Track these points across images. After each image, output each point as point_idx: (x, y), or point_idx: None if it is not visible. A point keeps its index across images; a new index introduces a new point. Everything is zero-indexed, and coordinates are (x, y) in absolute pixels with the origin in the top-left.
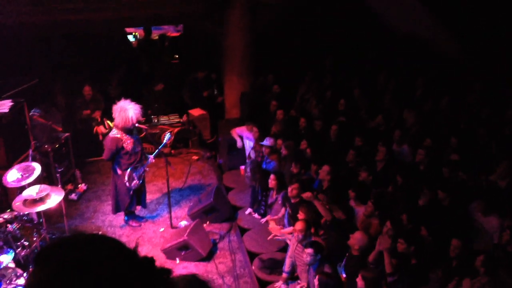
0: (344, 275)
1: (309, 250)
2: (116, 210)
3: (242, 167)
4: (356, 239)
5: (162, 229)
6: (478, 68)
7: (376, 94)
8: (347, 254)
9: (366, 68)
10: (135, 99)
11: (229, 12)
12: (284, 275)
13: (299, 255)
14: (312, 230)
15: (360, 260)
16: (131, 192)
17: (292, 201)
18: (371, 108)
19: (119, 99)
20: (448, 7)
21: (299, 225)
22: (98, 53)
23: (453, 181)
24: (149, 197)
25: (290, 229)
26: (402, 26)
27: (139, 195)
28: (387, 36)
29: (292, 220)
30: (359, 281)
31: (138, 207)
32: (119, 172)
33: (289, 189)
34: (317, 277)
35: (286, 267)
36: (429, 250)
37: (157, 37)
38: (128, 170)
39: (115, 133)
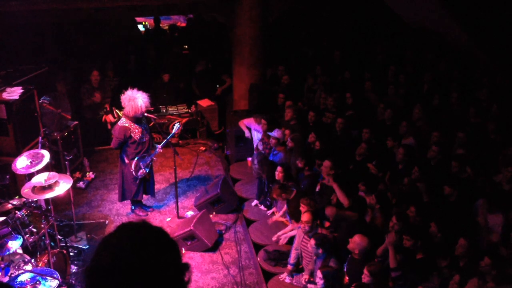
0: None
1: (312, 242)
2: (122, 198)
3: (249, 158)
4: (355, 243)
5: (168, 219)
6: (489, 62)
7: (386, 87)
8: (349, 256)
9: (377, 61)
10: (143, 89)
11: (240, 3)
12: (289, 267)
13: (305, 247)
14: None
15: (361, 263)
16: (138, 181)
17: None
18: (380, 101)
19: (119, 91)
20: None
21: (305, 217)
22: (108, 42)
23: (460, 177)
24: (156, 186)
25: (291, 226)
26: (414, 19)
27: (146, 184)
28: (398, 29)
29: (290, 216)
30: (366, 277)
31: (146, 196)
32: (126, 161)
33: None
34: (318, 271)
35: (292, 259)
36: (437, 246)
37: (166, 27)
38: (135, 159)
39: (123, 122)
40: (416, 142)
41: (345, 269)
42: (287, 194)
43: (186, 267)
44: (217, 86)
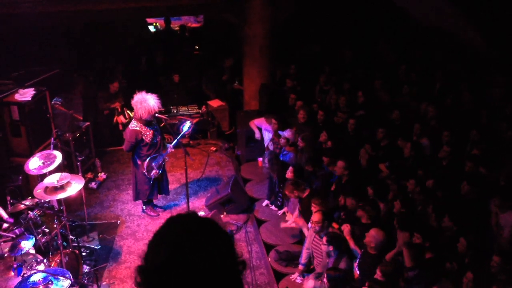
0: (357, 273)
1: (330, 248)
2: (136, 198)
3: (260, 158)
4: (371, 236)
5: None
6: (502, 61)
7: (397, 86)
8: (363, 250)
9: (388, 60)
10: (154, 90)
11: (249, 3)
12: (301, 267)
13: (317, 247)
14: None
15: (377, 258)
16: (151, 182)
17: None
18: (391, 101)
19: (128, 93)
20: None
21: (316, 217)
22: (119, 43)
23: (474, 175)
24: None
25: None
26: (425, 17)
27: (159, 184)
28: (409, 28)
29: (302, 215)
30: (378, 276)
31: (159, 196)
32: (138, 162)
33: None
34: (325, 274)
35: (303, 259)
36: (449, 242)
37: (177, 28)
38: (147, 160)
39: (134, 125)
40: (430, 143)
41: (356, 265)
42: (299, 191)
43: (241, 259)
44: (236, 82)
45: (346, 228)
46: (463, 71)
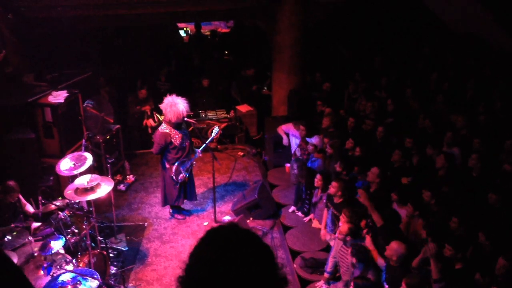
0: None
1: (353, 260)
2: (164, 203)
3: (287, 164)
4: (392, 249)
5: (206, 223)
6: None
7: (428, 94)
8: (386, 264)
9: (419, 67)
10: (184, 94)
11: (280, 9)
12: (326, 275)
13: (343, 256)
14: None
15: (400, 270)
16: (178, 186)
17: (335, 201)
18: (421, 109)
19: (167, 94)
20: (504, 3)
21: (344, 228)
22: (150, 47)
23: (502, 186)
24: None
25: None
26: (458, 24)
27: (186, 189)
28: (441, 34)
29: (336, 220)
30: None
31: (185, 201)
32: (167, 166)
33: (330, 187)
34: (352, 283)
35: (329, 267)
36: (479, 258)
37: (208, 33)
38: (175, 164)
39: (164, 128)
40: (461, 152)
41: (383, 278)
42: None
43: (283, 273)
44: (265, 88)
45: (368, 237)
46: (496, 78)
